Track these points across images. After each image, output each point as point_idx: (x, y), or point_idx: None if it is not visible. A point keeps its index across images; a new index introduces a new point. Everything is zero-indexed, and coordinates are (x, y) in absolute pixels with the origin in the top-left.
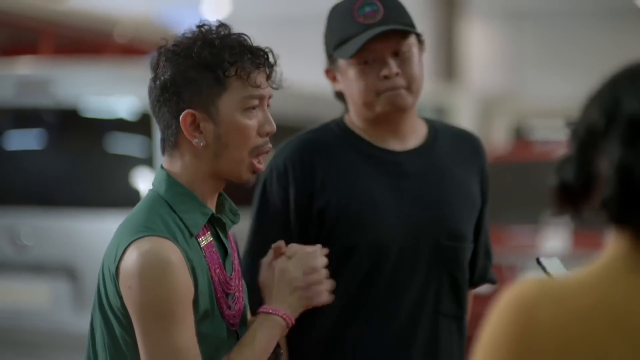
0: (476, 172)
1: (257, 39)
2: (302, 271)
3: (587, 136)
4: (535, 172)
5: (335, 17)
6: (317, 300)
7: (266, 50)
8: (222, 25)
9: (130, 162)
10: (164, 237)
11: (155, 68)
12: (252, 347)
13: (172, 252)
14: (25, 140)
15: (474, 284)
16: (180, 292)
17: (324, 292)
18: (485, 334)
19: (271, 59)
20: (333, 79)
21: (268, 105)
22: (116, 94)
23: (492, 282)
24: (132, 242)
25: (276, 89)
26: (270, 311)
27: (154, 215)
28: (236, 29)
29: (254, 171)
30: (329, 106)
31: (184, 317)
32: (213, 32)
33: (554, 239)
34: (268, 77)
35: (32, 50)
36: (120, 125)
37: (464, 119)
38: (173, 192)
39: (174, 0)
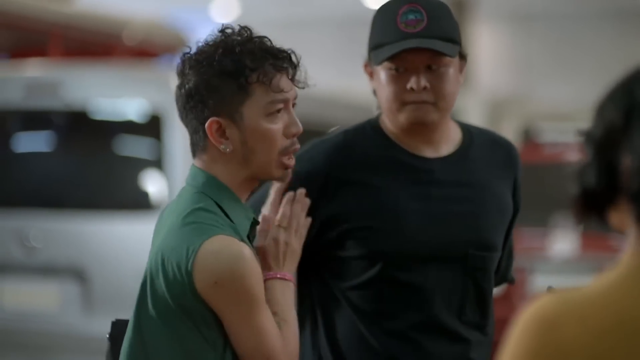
0: (510, 181)
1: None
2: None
3: (605, 137)
4: (544, 174)
5: (380, 16)
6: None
7: (288, 51)
8: (243, 28)
9: (140, 165)
10: (232, 236)
11: (180, 75)
12: (291, 315)
13: (243, 247)
14: (34, 142)
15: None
16: (260, 278)
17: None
18: (507, 355)
19: (294, 60)
20: (370, 75)
21: (294, 105)
22: (125, 96)
23: (511, 282)
24: (203, 242)
25: (302, 88)
26: (279, 276)
27: (214, 215)
28: None
29: (286, 167)
30: (335, 109)
31: (264, 301)
32: (234, 37)
33: (563, 241)
34: (292, 78)
35: (41, 52)
36: (129, 127)
37: (473, 121)
38: (222, 195)
39: (183, 3)
